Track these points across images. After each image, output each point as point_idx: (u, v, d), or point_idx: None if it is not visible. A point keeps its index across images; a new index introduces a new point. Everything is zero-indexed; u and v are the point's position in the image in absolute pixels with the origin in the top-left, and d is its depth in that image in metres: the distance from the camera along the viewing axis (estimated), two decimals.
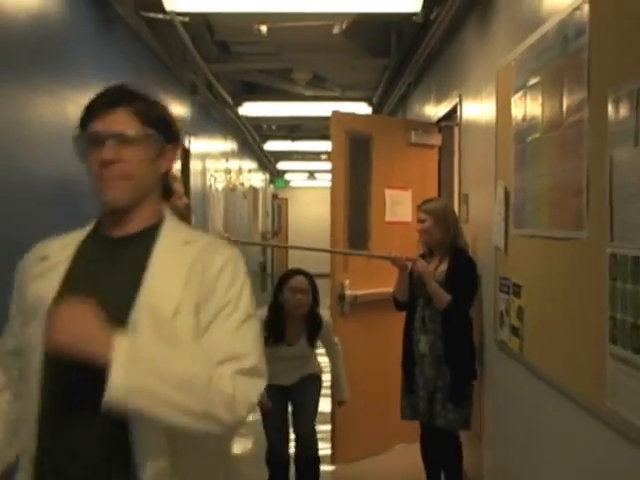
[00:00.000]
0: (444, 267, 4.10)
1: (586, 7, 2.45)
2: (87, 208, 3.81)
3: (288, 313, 4.01)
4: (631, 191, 2.12)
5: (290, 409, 4.21)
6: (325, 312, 4.27)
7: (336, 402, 4.45)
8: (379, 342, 4.56)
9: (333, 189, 5.07)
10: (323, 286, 6.27)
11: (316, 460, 4.12)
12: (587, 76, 2.46)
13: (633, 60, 2.09)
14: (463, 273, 4.06)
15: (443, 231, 4.12)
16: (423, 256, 4.27)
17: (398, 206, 5.26)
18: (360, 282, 4.96)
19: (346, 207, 4.99)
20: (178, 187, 4.23)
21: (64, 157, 3.41)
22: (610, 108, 2.25)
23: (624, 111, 2.17)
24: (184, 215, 4.31)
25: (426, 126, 5.54)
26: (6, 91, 2.76)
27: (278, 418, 4.08)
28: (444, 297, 3.99)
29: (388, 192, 5.22)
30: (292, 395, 4.14)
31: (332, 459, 4.92)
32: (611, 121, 2.25)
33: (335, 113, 5.04)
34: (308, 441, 4.08)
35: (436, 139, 5.47)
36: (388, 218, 5.21)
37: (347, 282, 4.94)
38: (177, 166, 5.59)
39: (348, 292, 4.93)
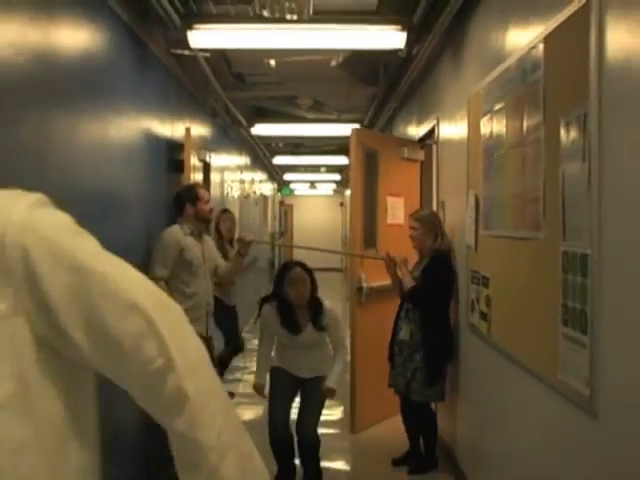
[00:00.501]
0: (422, 266, 4.11)
1: (541, 46, 2.47)
2: (130, 219, 3.85)
3: (292, 302, 3.80)
4: (579, 200, 2.13)
5: (298, 400, 3.94)
6: (336, 305, 4.10)
7: (325, 390, 3.80)
8: (386, 325, 4.54)
9: (352, 196, 5.05)
10: (324, 279, 6.28)
11: (317, 447, 3.80)
12: (543, 103, 2.47)
13: (580, 90, 2.10)
14: (433, 269, 4.04)
15: (432, 237, 4.10)
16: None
17: (396, 210, 5.28)
18: (373, 275, 4.92)
19: (362, 212, 4.99)
20: (203, 192, 4.17)
21: (108, 173, 3.44)
22: (562, 130, 2.26)
23: (573, 133, 2.18)
24: (208, 219, 4.28)
25: (413, 144, 5.57)
26: (59, 116, 2.77)
27: (283, 401, 3.82)
28: (408, 283, 4.07)
29: (389, 199, 5.23)
30: (304, 389, 3.89)
31: (351, 428, 4.89)
32: (563, 141, 2.26)
33: (354, 130, 5.00)
34: (310, 438, 3.76)
35: (420, 155, 5.48)
36: (389, 221, 5.23)
37: (364, 275, 4.92)
38: (200, 176, 5.59)
39: (365, 284, 4.90)
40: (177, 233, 3.96)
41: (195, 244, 4.04)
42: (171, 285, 3.90)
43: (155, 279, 3.72)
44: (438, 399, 4.15)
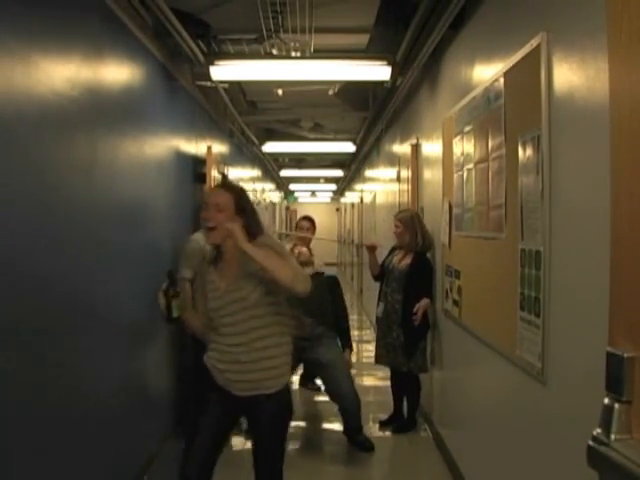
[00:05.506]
0: (407, 261, 4.05)
1: (502, 79, 2.48)
2: (163, 223, 3.87)
3: None
4: (534, 206, 2.14)
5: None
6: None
7: None
8: None
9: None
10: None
11: None
12: (504, 126, 2.46)
13: (533, 116, 2.11)
14: (421, 271, 4.01)
15: (410, 235, 4.06)
16: (394, 248, 4.29)
17: None
18: None
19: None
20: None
21: (145, 184, 3.47)
22: (520, 148, 2.26)
23: (529, 151, 2.18)
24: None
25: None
26: (104, 138, 2.81)
27: None
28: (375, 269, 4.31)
29: None
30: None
31: None
32: (520, 157, 2.26)
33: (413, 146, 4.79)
34: None
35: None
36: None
37: None
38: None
39: None
40: (201, 240, 3.94)
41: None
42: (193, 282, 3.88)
43: (182, 279, 3.77)
44: (420, 370, 4.05)
